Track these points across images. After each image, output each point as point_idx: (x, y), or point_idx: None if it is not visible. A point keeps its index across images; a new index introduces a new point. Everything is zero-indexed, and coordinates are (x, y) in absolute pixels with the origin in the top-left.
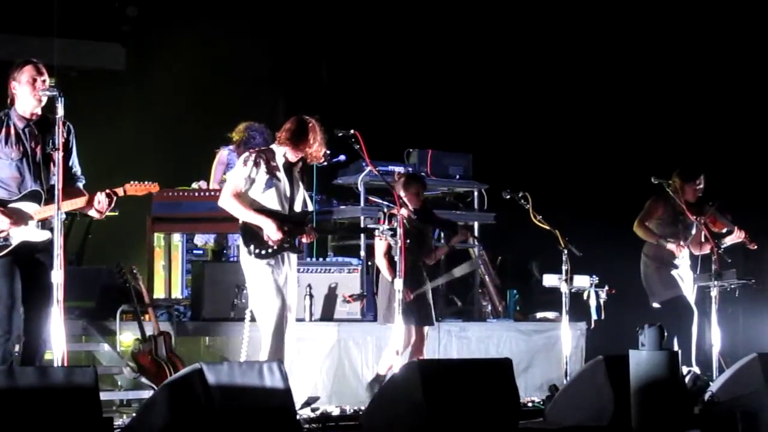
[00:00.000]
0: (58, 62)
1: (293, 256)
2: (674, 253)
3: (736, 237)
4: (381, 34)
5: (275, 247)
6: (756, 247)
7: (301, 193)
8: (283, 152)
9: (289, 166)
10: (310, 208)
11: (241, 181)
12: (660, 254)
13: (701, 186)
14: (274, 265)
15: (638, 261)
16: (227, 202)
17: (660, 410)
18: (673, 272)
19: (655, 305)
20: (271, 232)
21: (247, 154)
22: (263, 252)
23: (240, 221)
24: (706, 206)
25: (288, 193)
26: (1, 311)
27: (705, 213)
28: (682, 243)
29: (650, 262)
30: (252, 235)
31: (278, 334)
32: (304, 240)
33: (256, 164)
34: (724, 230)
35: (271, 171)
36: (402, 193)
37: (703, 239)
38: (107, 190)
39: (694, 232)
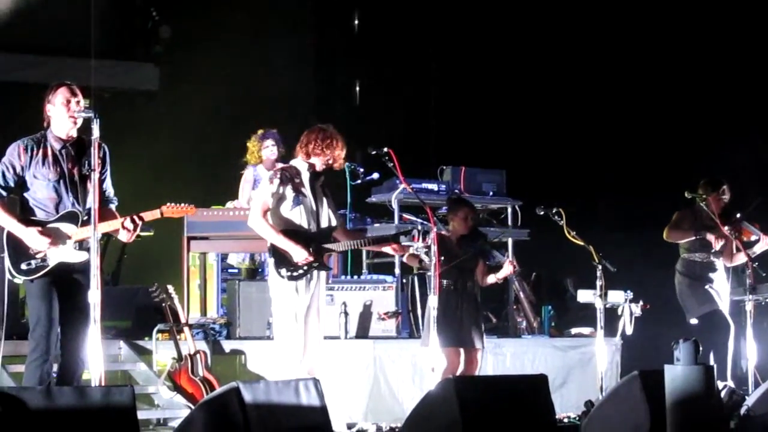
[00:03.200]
0: (93, 83)
1: (322, 274)
2: (711, 262)
3: (765, 244)
4: (413, 52)
5: (305, 268)
6: None
7: (326, 208)
8: (306, 167)
9: (313, 180)
10: (334, 223)
11: (269, 198)
12: (692, 270)
13: (725, 197)
14: (303, 287)
15: (673, 275)
16: (256, 223)
17: (696, 425)
18: (707, 287)
19: (693, 321)
20: (299, 258)
21: (272, 172)
22: (294, 274)
23: (269, 243)
24: (733, 217)
25: (314, 210)
26: (39, 333)
27: (733, 223)
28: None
29: (683, 279)
30: (282, 258)
31: (295, 360)
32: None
33: (282, 181)
34: (752, 238)
35: (297, 188)
36: (450, 217)
37: (734, 250)
38: (133, 216)
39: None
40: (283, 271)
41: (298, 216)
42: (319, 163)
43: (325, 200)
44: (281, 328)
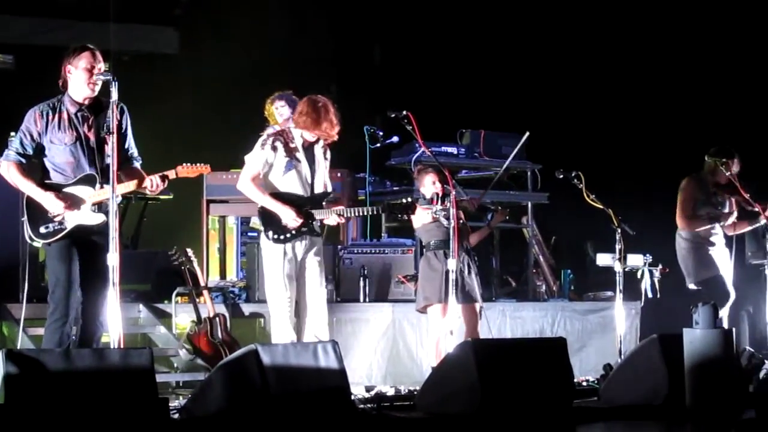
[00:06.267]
0: (112, 47)
1: (318, 240)
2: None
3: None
4: (433, 15)
5: (293, 232)
6: None
7: (322, 174)
8: (300, 133)
9: (308, 146)
10: (329, 189)
11: (259, 164)
12: (695, 234)
13: (736, 168)
14: (290, 252)
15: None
16: (245, 186)
17: (715, 389)
18: (710, 251)
19: (692, 286)
20: (288, 219)
21: (264, 137)
22: (281, 237)
23: (259, 206)
24: (738, 187)
25: (308, 175)
26: (58, 294)
27: (738, 193)
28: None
29: (685, 243)
30: (270, 220)
31: (282, 322)
32: (328, 222)
33: (274, 147)
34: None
35: (291, 153)
36: (422, 190)
37: (737, 220)
38: (160, 174)
39: (726, 211)
40: (271, 233)
41: (290, 181)
42: (305, 134)
43: (321, 165)
44: (270, 292)
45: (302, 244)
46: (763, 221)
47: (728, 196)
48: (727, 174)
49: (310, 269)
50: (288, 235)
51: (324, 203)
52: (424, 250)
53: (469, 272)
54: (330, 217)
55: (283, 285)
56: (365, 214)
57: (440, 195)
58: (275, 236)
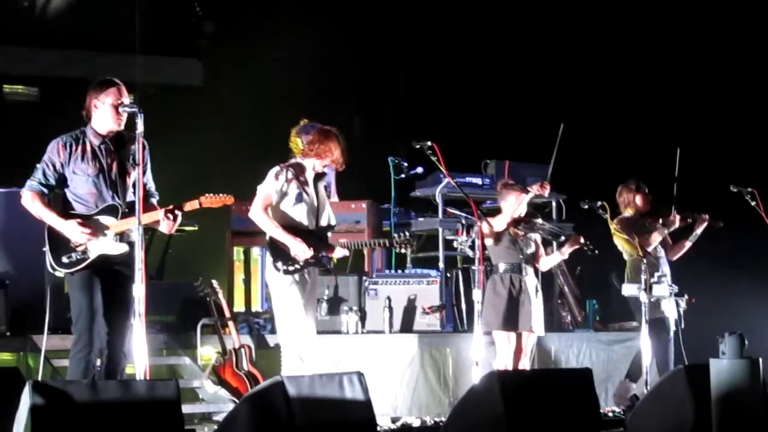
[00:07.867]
0: (137, 79)
1: (315, 271)
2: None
3: (701, 222)
4: (457, 46)
5: (302, 264)
6: (722, 224)
7: (327, 207)
8: (311, 165)
9: (315, 180)
10: (334, 222)
11: (273, 194)
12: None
13: (646, 191)
14: (300, 281)
15: (717, 268)
16: (257, 216)
17: (742, 419)
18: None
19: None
20: (299, 251)
21: (278, 168)
22: (291, 269)
23: (267, 236)
24: (662, 209)
25: (315, 208)
26: (81, 324)
27: (664, 215)
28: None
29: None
30: (279, 251)
31: (296, 355)
32: (334, 256)
33: (288, 178)
34: (688, 222)
35: (302, 185)
36: (503, 204)
37: (671, 242)
38: (169, 207)
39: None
40: (280, 265)
41: (300, 213)
42: (317, 165)
43: (324, 200)
44: (284, 324)
45: (308, 276)
46: (699, 231)
47: (656, 221)
48: (752, 203)
49: (313, 302)
50: (298, 266)
51: (329, 236)
52: (491, 272)
53: (536, 298)
54: (335, 251)
55: (299, 317)
56: (371, 246)
57: (466, 226)
58: (285, 267)
